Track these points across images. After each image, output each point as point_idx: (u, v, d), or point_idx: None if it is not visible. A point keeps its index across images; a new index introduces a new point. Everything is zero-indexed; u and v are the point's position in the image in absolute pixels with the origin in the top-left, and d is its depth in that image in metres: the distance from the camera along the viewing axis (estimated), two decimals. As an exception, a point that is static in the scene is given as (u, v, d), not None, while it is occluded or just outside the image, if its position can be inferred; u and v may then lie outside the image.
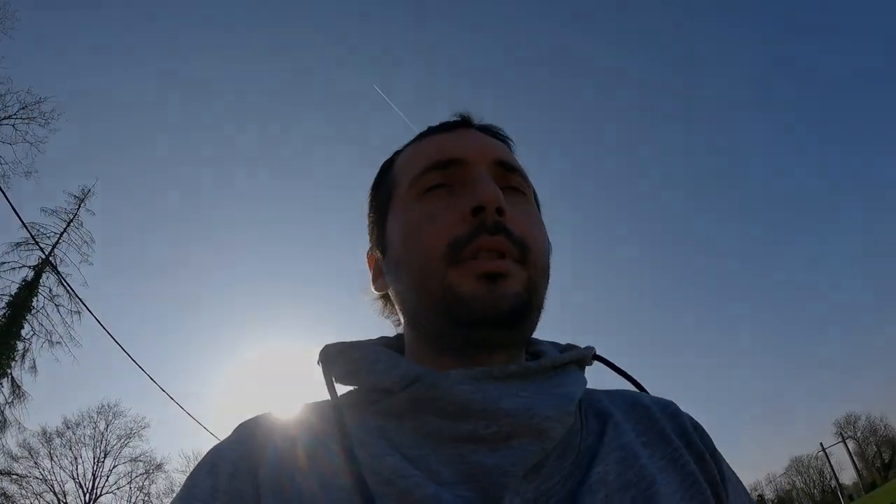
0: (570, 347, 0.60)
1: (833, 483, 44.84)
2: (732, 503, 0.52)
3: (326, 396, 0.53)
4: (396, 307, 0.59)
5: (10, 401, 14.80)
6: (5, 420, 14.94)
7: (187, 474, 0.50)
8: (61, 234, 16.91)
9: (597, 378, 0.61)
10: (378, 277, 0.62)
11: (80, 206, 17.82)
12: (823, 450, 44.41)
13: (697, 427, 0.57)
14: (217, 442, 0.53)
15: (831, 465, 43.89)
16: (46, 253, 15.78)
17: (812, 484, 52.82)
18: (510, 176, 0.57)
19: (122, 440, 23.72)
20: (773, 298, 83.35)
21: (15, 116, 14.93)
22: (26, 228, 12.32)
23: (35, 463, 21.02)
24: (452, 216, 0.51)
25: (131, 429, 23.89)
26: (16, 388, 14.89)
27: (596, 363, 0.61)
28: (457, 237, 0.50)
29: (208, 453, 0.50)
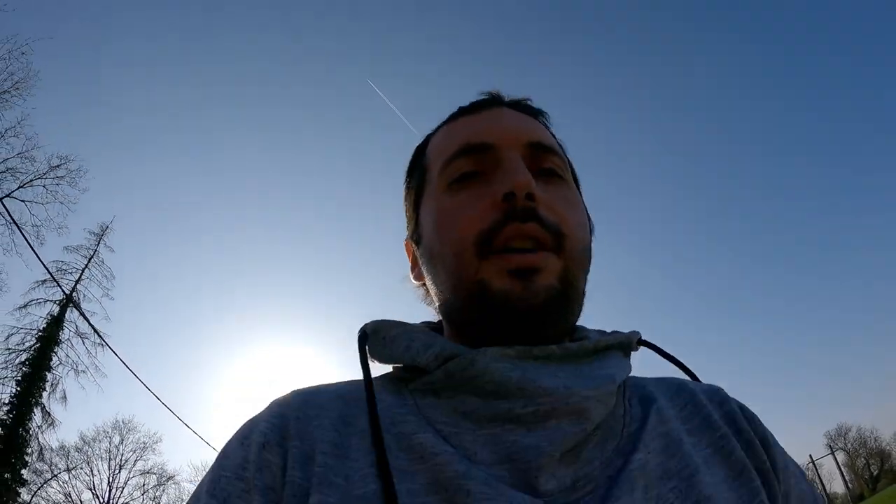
0: (615, 333, 0.57)
1: (823, 494, 45.94)
2: (785, 492, 0.50)
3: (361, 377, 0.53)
4: (434, 297, 0.57)
5: (40, 426, 16.57)
6: (41, 447, 16.74)
7: (197, 483, 0.50)
8: (82, 271, 18.66)
9: (645, 366, 0.57)
10: (416, 266, 0.62)
11: (98, 243, 19.61)
12: (812, 461, 45.56)
13: (747, 412, 0.55)
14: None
15: (820, 477, 45.04)
16: (69, 290, 17.59)
17: (803, 494, 53.66)
18: (544, 157, 0.55)
19: (137, 454, 25.37)
20: (767, 306, 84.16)
21: (45, 176, 16.53)
22: (48, 272, 14.11)
23: (54, 476, 22.70)
24: (482, 205, 0.50)
25: (145, 443, 25.52)
26: (46, 415, 16.65)
27: (643, 350, 0.59)
28: (487, 227, 0.49)
29: (242, 426, 0.50)
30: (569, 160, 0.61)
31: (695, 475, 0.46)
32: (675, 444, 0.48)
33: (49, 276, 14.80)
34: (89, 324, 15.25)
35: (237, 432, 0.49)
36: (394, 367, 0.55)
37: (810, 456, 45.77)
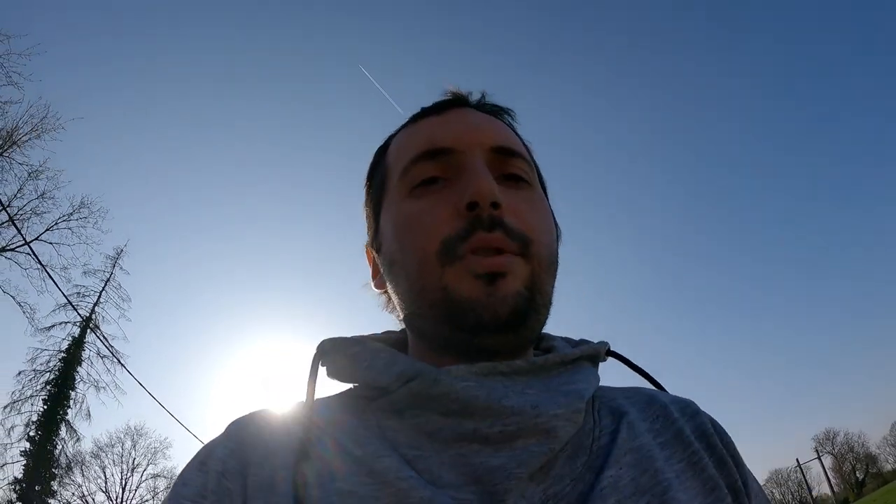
0: (583, 343, 0.56)
1: (810, 497, 47.30)
2: None
3: (336, 390, 0.52)
4: (396, 306, 0.56)
5: (63, 439, 17.99)
6: (69, 461, 18.33)
7: None
8: (100, 295, 20.05)
9: (612, 376, 0.56)
10: (377, 274, 0.60)
11: (114, 266, 21.01)
12: (799, 465, 46.82)
13: (718, 428, 0.54)
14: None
15: (806, 481, 46.32)
16: (88, 313, 19.07)
17: (791, 496, 55.12)
18: (509, 161, 0.54)
19: (148, 458, 26.80)
20: (759, 310, 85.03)
21: (70, 218, 17.58)
22: (68, 301, 15.54)
23: (70, 480, 24.22)
24: (445, 213, 0.49)
25: (155, 448, 27.01)
26: (72, 432, 18.18)
27: (611, 360, 0.59)
28: (450, 235, 0.48)
29: (200, 451, 0.48)
30: (535, 163, 0.59)
31: (668, 491, 0.45)
32: (648, 460, 0.47)
33: (68, 303, 16.31)
34: (108, 348, 16.74)
35: (195, 458, 0.48)
36: (355, 385, 0.53)
37: (797, 460, 47.03)
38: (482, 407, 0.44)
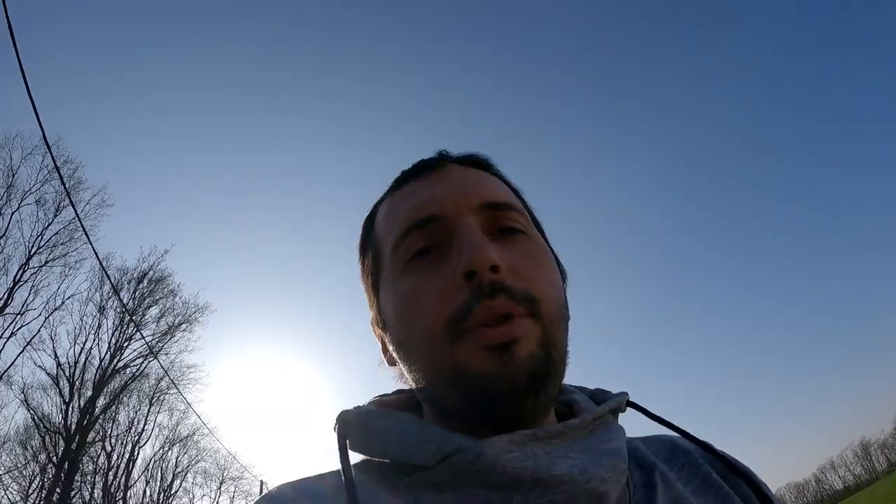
0: (599, 393, 0.56)
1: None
2: None
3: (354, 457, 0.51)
4: (410, 383, 0.53)
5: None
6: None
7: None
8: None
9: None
10: (386, 350, 0.58)
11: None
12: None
13: (741, 468, 0.54)
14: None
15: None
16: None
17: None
18: (501, 216, 0.52)
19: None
20: (782, 320, 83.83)
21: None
22: (172, 381, 17.26)
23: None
24: (444, 287, 0.47)
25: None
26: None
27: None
28: (454, 311, 0.46)
29: None
30: (529, 208, 0.59)
31: None
32: None
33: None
34: (174, 384, 18.23)
35: None
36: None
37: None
38: (530, 478, 0.42)
